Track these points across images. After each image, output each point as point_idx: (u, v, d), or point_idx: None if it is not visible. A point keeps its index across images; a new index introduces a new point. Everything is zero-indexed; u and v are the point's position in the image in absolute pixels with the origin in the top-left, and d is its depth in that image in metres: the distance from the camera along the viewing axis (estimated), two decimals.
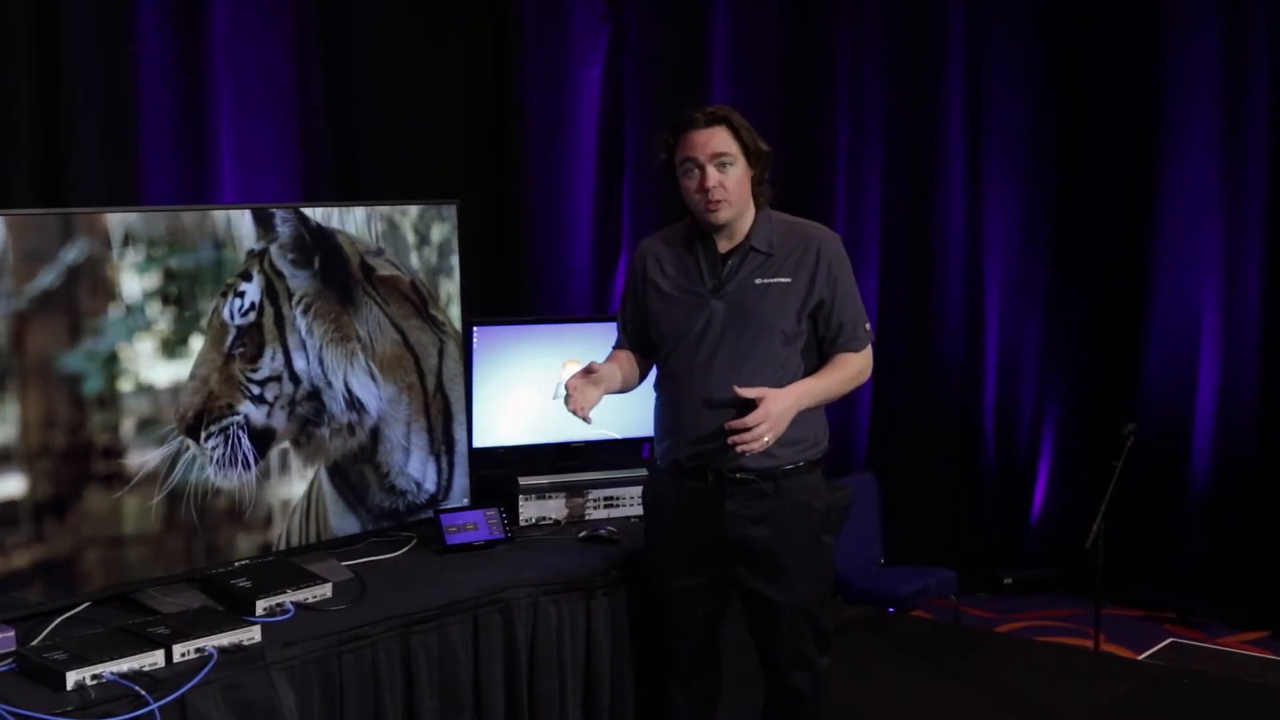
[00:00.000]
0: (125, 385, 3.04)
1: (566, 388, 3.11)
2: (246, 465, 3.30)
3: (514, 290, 5.38)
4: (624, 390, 3.36)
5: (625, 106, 5.64)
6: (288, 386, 3.38)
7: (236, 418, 3.27)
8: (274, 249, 3.35)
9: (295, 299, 3.39)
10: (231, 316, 3.27)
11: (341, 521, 3.52)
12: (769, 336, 3.14)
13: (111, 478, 3.03)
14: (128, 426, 3.05)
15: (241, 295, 3.28)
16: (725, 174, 3.10)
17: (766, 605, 3.23)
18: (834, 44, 6.02)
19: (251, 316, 3.31)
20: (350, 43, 4.76)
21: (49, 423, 2.92)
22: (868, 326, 3.26)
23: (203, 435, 3.21)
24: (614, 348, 3.42)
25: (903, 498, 6.01)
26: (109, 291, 3.01)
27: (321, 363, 3.44)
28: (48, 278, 2.90)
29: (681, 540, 3.26)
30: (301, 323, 3.40)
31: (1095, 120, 5.95)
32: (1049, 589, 5.99)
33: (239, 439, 3.28)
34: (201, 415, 3.21)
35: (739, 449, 3.05)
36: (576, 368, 3.92)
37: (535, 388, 4.00)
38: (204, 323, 3.20)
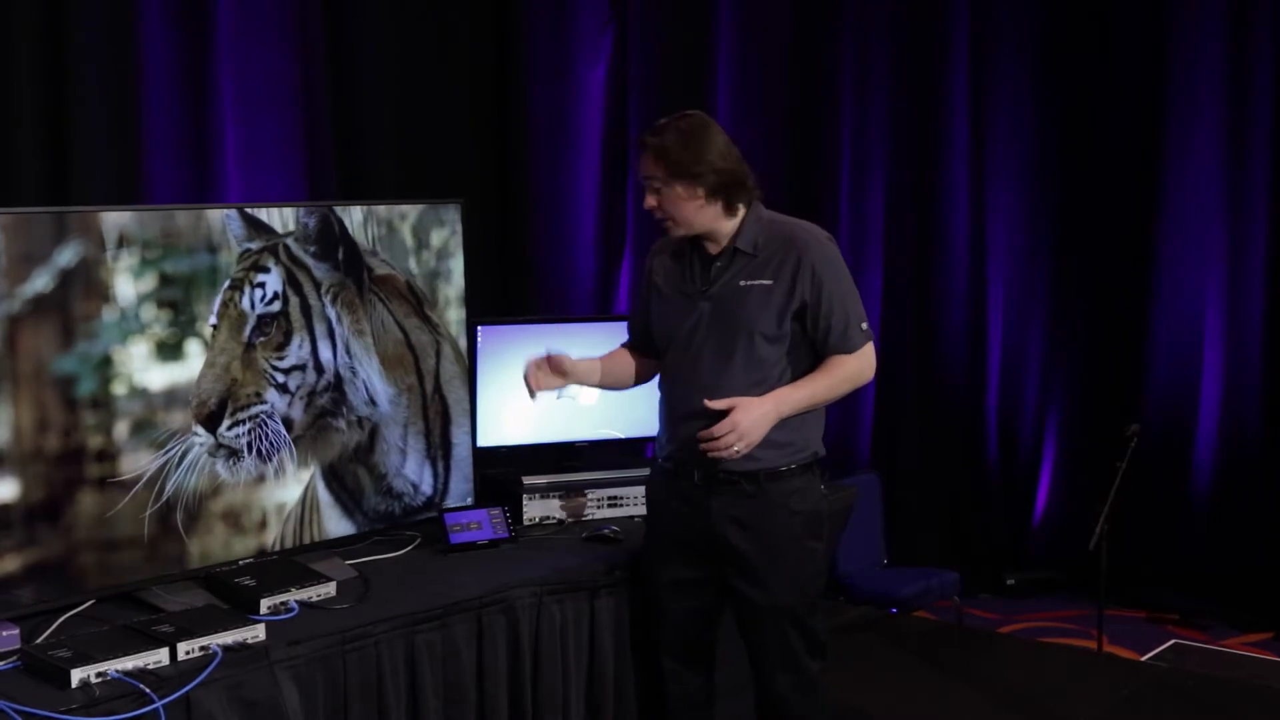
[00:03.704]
0: (119, 388, 3.03)
1: (527, 367, 3.21)
2: (273, 454, 3.31)
3: (518, 290, 5.38)
4: (612, 387, 3.43)
5: (629, 107, 5.64)
6: (310, 376, 3.39)
7: (264, 406, 3.29)
8: (291, 242, 3.35)
9: (323, 289, 3.40)
10: (252, 306, 3.27)
11: (337, 526, 3.51)
12: (749, 338, 3.15)
13: (105, 481, 3.02)
14: (121, 429, 3.03)
15: (261, 286, 3.29)
16: (660, 196, 3.15)
17: (748, 606, 3.25)
18: (838, 44, 6.02)
19: (276, 305, 3.31)
20: (355, 43, 4.76)
21: (42, 426, 2.90)
22: (864, 326, 3.22)
23: (226, 423, 3.21)
24: (622, 345, 3.48)
25: (906, 498, 6.00)
26: (103, 294, 2.99)
27: (349, 353, 3.46)
28: (41, 280, 2.89)
29: (673, 534, 3.30)
30: (331, 312, 3.42)
31: (1099, 121, 5.95)
32: (1052, 590, 5.99)
33: (267, 426, 3.30)
34: (225, 403, 3.21)
35: (710, 455, 3.10)
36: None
37: None
38: (205, 322, 3.18)
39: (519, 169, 5.42)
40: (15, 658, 2.74)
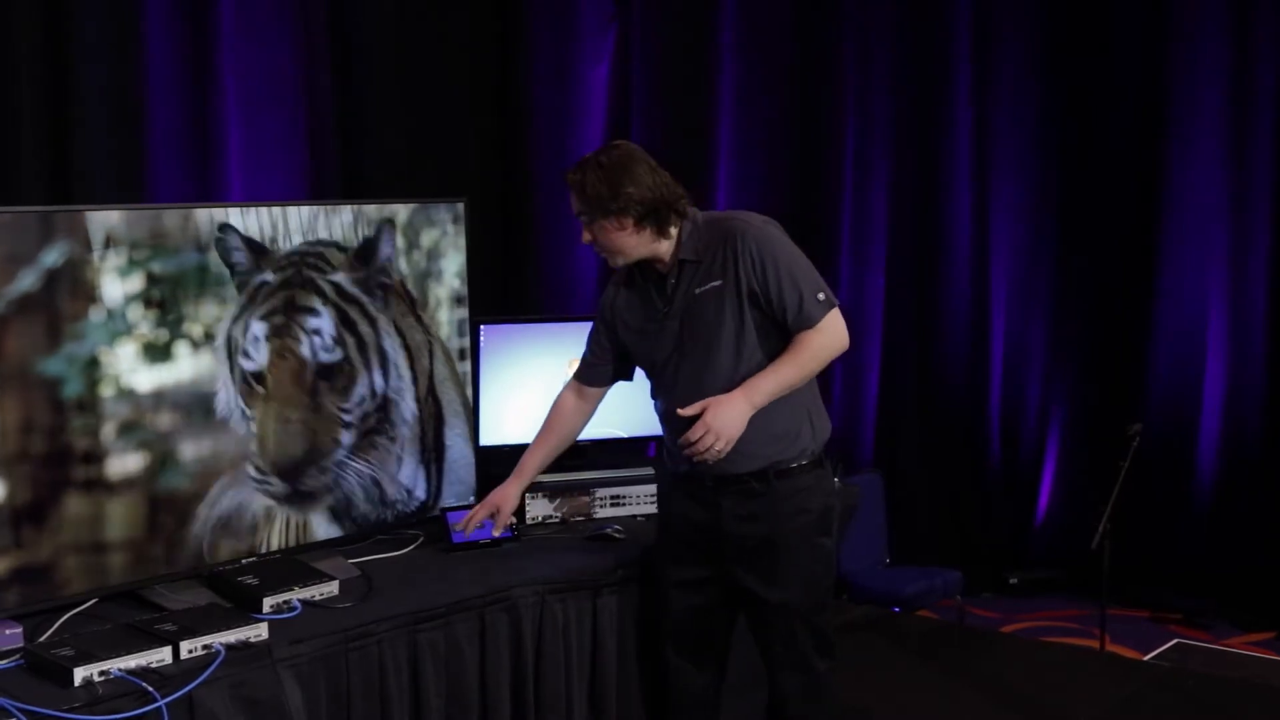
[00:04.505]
0: (106, 390, 2.98)
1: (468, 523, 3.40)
2: (352, 485, 3.48)
3: (520, 289, 5.39)
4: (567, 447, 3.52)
5: (632, 106, 5.64)
6: (368, 404, 3.50)
7: (342, 449, 3.44)
8: (343, 279, 3.41)
9: (379, 324, 3.50)
10: (313, 354, 3.35)
11: (325, 531, 3.47)
12: (718, 342, 3.15)
13: (91, 483, 2.97)
14: (108, 431, 2.99)
15: (317, 333, 3.36)
16: (592, 229, 3.19)
17: (758, 604, 3.25)
18: (841, 44, 6.02)
19: (338, 354, 3.40)
20: (357, 42, 4.77)
21: (27, 428, 2.86)
22: (820, 297, 3.13)
23: (309, 472, 3.37)
24: (570, 380, 3.48)
25: (908, 497, 6.01)
26: (90, 295, 2.95)
27: (399, 376, 3.55)
28: (27, 280, 2.84)
29: (682, 535, 3.31)
30: (387, 343, 3.51)
31: (1102, 119, 5.95)
32: (1054, 589, 5.99)
33: (347, 466, 3.45)
34: (308, 456, 3.37)
35: (695, 460, 3.11)
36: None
37: (542, 386, 4.00)
38: (193, 321, 3.16)
39: (522, 168, 5.43)
40: (18, 656, 2.74)
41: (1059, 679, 4.67)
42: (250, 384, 3.26)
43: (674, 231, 3.20)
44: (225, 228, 3.22)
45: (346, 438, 3.44)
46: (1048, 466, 6.18)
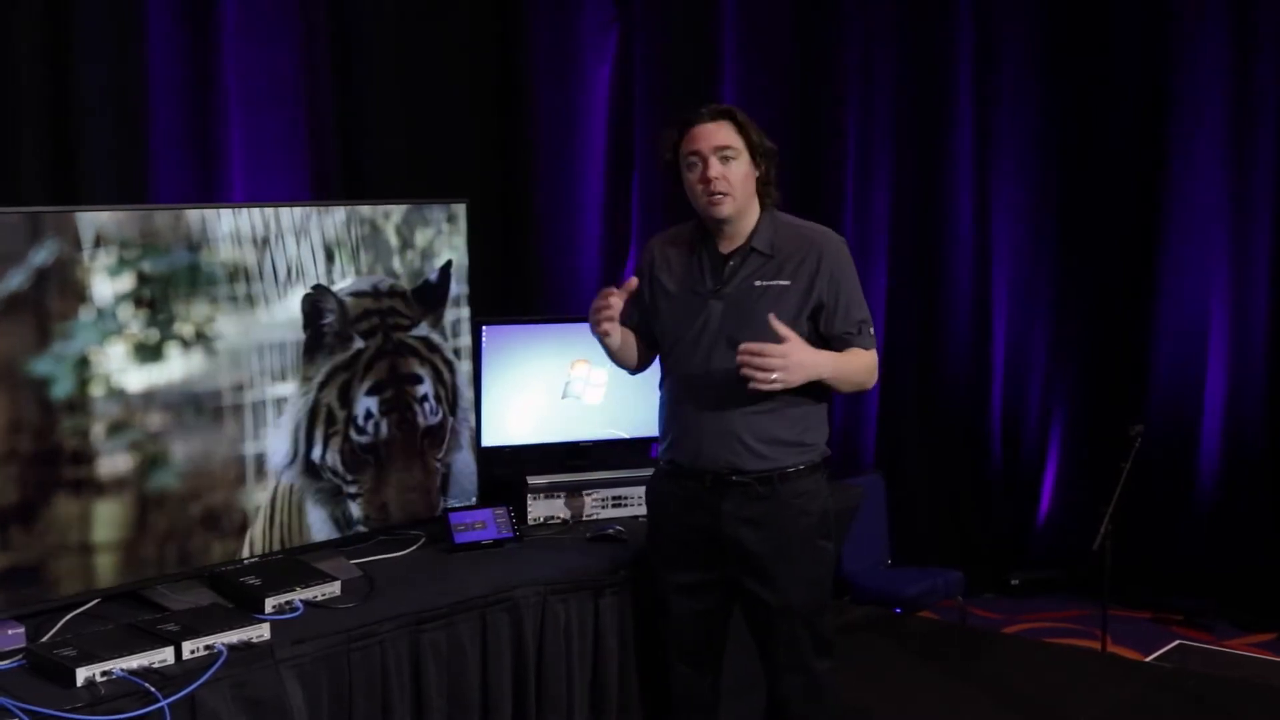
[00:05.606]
0: (96, 389, 2.96)
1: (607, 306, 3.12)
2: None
3: (522, 289, 5.38)
4: (621, 362, 3.36)
5: (634, 105, 5.64)
6: (450, 443, 3.70)
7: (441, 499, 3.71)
8: (431, 333, 3.53)
9: (455, 369, 3.65)
10: (424, 418, 3.58)
11: (320, 530, 3.47)
12: (762, 339, 3.12)
13: (81, 483, 2.95)
14: (98, 431, 2.97)
15: (426, 399, 3.53)
16: (728, 167, 3.12)
17: (760, 607, 3.24)
18: (843, 44, 6.02)
19: (440, 413, 3.57)
20: (359, 43, 4.76)
21: (16, 428, 2.84)
22: (871, 331, 3.24)
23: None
24: None
25: (910, 498, 6.00)
26: (79, 294, 2.93)
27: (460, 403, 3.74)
28: (15, 280, 2.83)
29: (679, 537, 3.28)
30: (461, 381, 3.70)
31: (1104, 120, 5.95)
32: (1056, 590, 5.98)
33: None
34: (422, 509, 3.63)
35: (744, 373, 3.02)
36: (585, 367, 3.97)
37: (544, 387, 4.01)
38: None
39: (524, 168, 5.42)
40: (20, 656, 2.74)
41: (1060, 680, 4.67)
42: (359, 454, 3.44)
43: (759, 212, 3.20)
44: (320, 289, 3.34)
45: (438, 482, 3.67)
46: (1049, 467, 6.18)
